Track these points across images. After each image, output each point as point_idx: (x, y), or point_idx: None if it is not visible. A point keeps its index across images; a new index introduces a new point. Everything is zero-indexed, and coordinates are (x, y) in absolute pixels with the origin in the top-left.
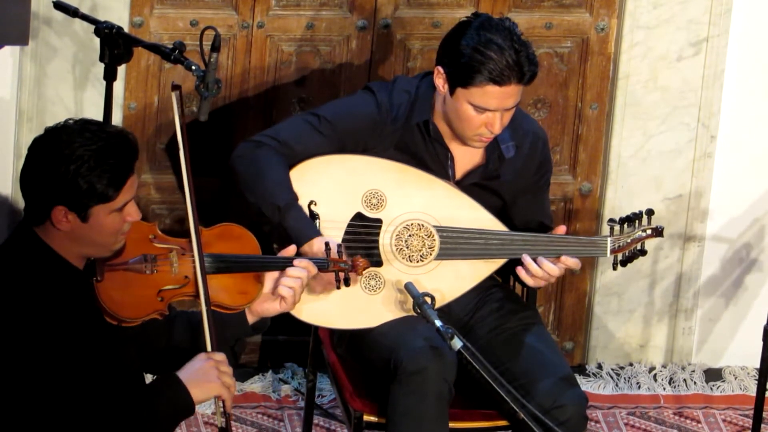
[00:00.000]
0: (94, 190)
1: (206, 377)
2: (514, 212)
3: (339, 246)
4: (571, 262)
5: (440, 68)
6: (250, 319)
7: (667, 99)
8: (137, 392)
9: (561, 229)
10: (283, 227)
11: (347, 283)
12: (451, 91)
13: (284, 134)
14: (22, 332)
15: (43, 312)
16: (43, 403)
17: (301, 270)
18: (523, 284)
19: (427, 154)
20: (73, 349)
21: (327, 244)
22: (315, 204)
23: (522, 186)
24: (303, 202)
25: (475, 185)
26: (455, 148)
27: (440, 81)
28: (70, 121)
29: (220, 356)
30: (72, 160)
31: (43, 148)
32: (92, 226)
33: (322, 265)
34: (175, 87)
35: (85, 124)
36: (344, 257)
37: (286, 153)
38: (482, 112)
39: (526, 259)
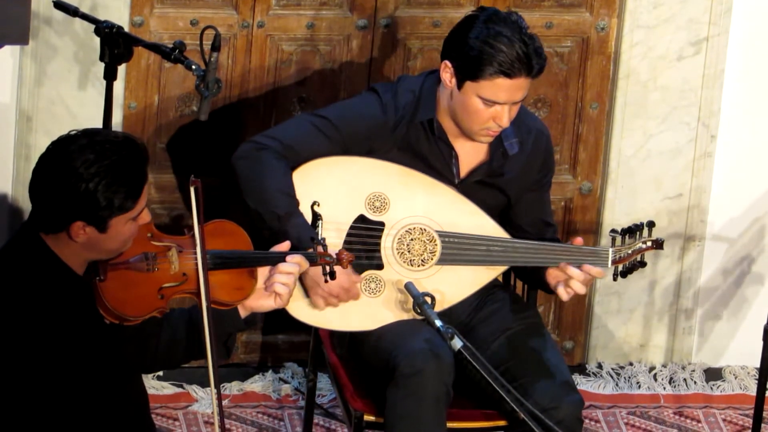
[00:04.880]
0: (113, 204)
1: None
2: (518, 210)
3: (323, 239)
4: (595, 271)
5: (448, 62)
6: (243, 313)
7: (667, 98)
8: None
9: (578, 241)
10: (283, 234)
11: (332, 276)
12: (459, 86)
13: (288, 136)
14: (24, 335)
15: (45, 316)
16: (41, 406)
17: (292, 265)
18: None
19: (430, 152)
20: (72, 352)
21: (312, 238)
22: (318, 205)
23: (526, 183)
24: (306, 203)
25: (479, 183)
26: (459, 145)
27: (447, 75)
28: (73, 133)
29: None
30: (88, 179)
31: (55, 165)
32: (109, 236)
33: (310, 258)
34: (194, 182)
35: (92, 137)
36: (329, 251)
37: (289, 156)
38: (491, 105)
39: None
